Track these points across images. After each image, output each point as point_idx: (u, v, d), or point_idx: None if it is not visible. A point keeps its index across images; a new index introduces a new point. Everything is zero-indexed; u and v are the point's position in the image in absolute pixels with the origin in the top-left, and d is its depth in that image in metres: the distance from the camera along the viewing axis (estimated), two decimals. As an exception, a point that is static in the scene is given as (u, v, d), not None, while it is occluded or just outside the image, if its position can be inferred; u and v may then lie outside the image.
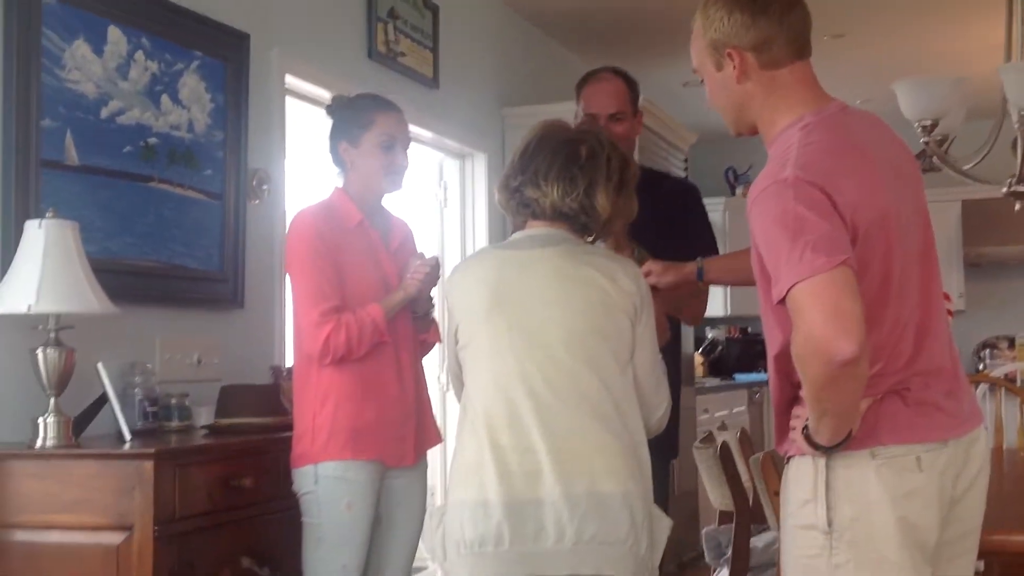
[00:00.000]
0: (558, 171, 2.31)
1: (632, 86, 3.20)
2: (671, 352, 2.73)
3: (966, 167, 3.65)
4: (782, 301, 1.78)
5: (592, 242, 2.42)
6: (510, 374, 2.27)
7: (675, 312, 3.06)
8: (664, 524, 2.32)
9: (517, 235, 2.42)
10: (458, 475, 2.29)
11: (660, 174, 3.30)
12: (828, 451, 1.85)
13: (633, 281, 2.32)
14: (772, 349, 1.96)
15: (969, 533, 1.98)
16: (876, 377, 1.85)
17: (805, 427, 1.86)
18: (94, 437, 2.67)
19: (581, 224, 2.36)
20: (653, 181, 2.97)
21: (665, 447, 3.03)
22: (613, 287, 2.28)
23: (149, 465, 2.38)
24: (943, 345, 1.97)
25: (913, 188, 1.99)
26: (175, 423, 2.89)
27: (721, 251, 3.20)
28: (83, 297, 2.51)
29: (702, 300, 3.14)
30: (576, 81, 3.30)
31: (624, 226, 2.52)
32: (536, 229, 2.37)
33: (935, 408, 1.89)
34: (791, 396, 1.95)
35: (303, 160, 3.92)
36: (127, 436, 2.61)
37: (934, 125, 3.45)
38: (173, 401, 2.90)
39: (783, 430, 1.98)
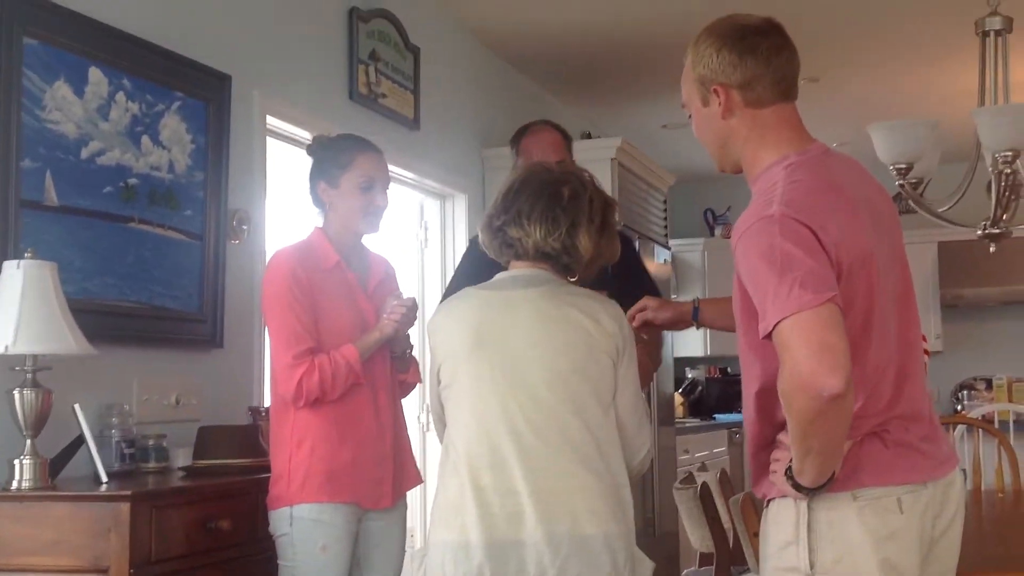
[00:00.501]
0: (541, 211, 2.33)
1: (567, 137, 3.33)
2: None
3: (941, 210, 3.69)
4: (768, 336, 1.78)
5: (574, 283, 2.43)
6: (492, 414, 2.27)
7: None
8: (646, 566, 2.31)
9: (500, 276, 2.42)
10: (440, 516, 2.28)
11: None
12: (811, 493, 1.85)
13: (615, 322, 2.32)
14: (752, 386, 1.96)
15: (946, 573, 1.99)
16: (857, 418, 1.85)
17: (788, 469, 1.86)
18: (70, 479, 2.65)
19: (563, 264, 2.37)
20: None
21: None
22: (595, 328, 2.29)
23: (125, 507, 2.36)
24: (921, 389, 2.00)
25: (891, 233, 2.01)
26: (152, 464, 2.87)
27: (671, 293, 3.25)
28: (61, 338, 2.49)
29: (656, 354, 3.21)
30: (529, 122, 3.40)
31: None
32: (519, 270, 2.38)
33: (914, 451, 1.91)
34: (769, 437, 1.95)
35: (284, 200, 3.93)
36: (103, 478, 2.58)
37: (909, 168, 3.50)
38: (150, 442, 2.88)
39: (760, 472, 1.98)
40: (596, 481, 2.24)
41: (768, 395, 1.87)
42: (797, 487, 1.85)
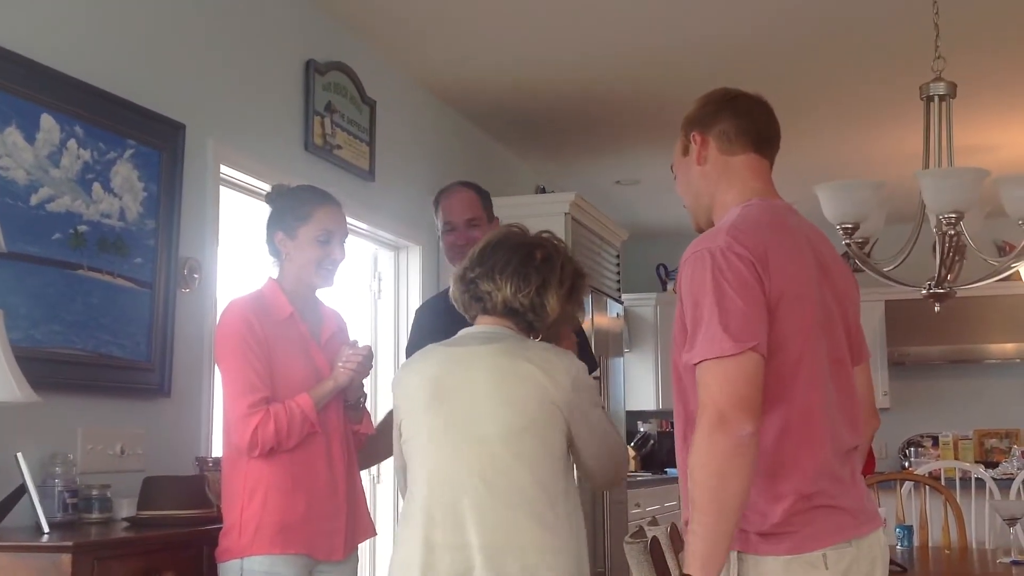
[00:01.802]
0: (514, 268, 2.41)
1: (483, 195, 3.42)
2: None
3: (887, 269, 3.75)
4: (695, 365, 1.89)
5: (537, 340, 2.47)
6: (448, 469, 2.31)
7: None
8: None
9: (463, 332, 2.49)
10: (394, 571, 2.33)
11: None
12: None
13: (570, 374, 2.35)
14: (688, 410, 1.99)
15: None
16: (788, 465, 1.89)
17: None
18: (11, 528, 2.59)
19: (527, 322, 2.43)
20: None
21: None
22: (550, 381, 2.32)
23: (67, 558, 2.31)
24: (846, 454, 2.02)
25: (841, 301, 2.06)
26: (95, 515, 2.82)
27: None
28: (4, 385, 2.45)
29: None
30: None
31: (571, 333, 2.62)
32: (481, 326, 2.45)
33: (840, 511, 1.93)
34: None
35: (236, 250, 3.91)
36: (45, 528, 2.54)
37: (855, 228, 3.55)
38: (94, 492, 2.84)
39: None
40: (550, 537, 2.26)
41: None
42: None
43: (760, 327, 1.86)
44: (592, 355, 3.42)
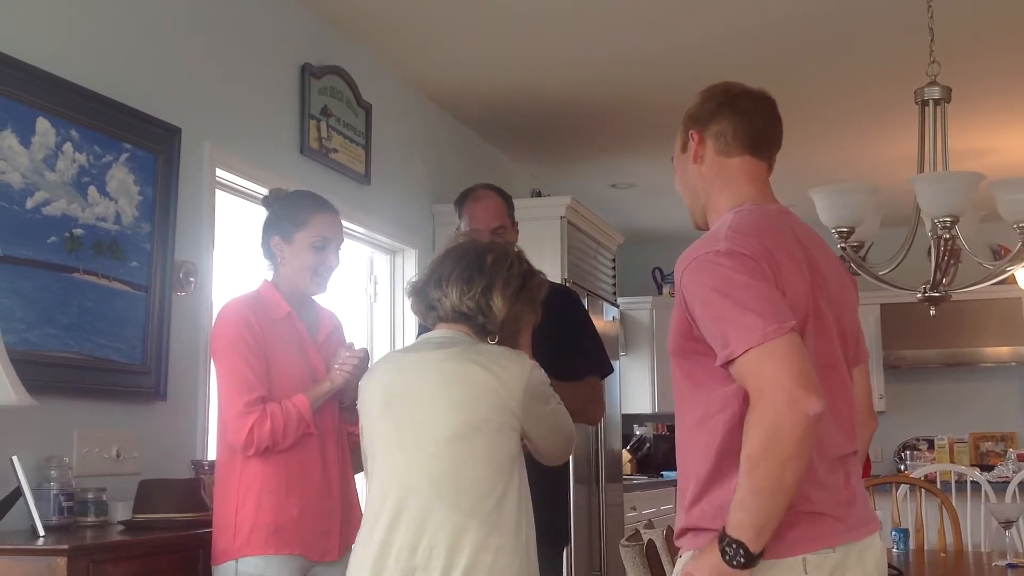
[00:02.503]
0: (459, 273, 2.45)
1: (509, 202, 3.40)
2: None
3: (882, 273, 3.76)
4: (726, 365, 1.83)
5: (496, 343, 2.49)
6: (398, 473, 2.36)
7: (577, 415, 3.17)
8: None
9: (420, 338, 2.56)
10: (352, 568, 2.39)
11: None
12: (753, 563, 1.81)
13: (519, 376, 2.37)
14: (693, 415, 1.97)
15: None
16: None
17: (726, 543, 1.82)
18: (7, 532, 2.59)
19: (480, 325, 2.46)
20: None
21: (553, 536, 3.09)
22: (499, 383, 2.35)
23: (62, 561, 2.32)
24: (839, 455, 2.01)
25: (836, 305, 2.04)
26: (91, 518, 2.82)
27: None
28: (0, 389, 2.46)
29: (599, 404, 3.31)
30: (502, 183, 3.48)
31: (529, 333, 2.62)
32: (437, 332, 2.49)
33: (823, 516, 1.91)
34: (711, 468, 1.94)
35: (232, 253, 3.92)
36: (41, 531, 2.54)
37: (851, 232, 3.56)
38: (90, 496, 2.84)
39: (694, 517, 1.98)
40: (491, 536, 2.30)
41: (713, 424, 1.90)
42: (750, 559, 1.81)
43: (789, 312, 1.83)
44: (606, 357, 3.41)
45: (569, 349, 3.17)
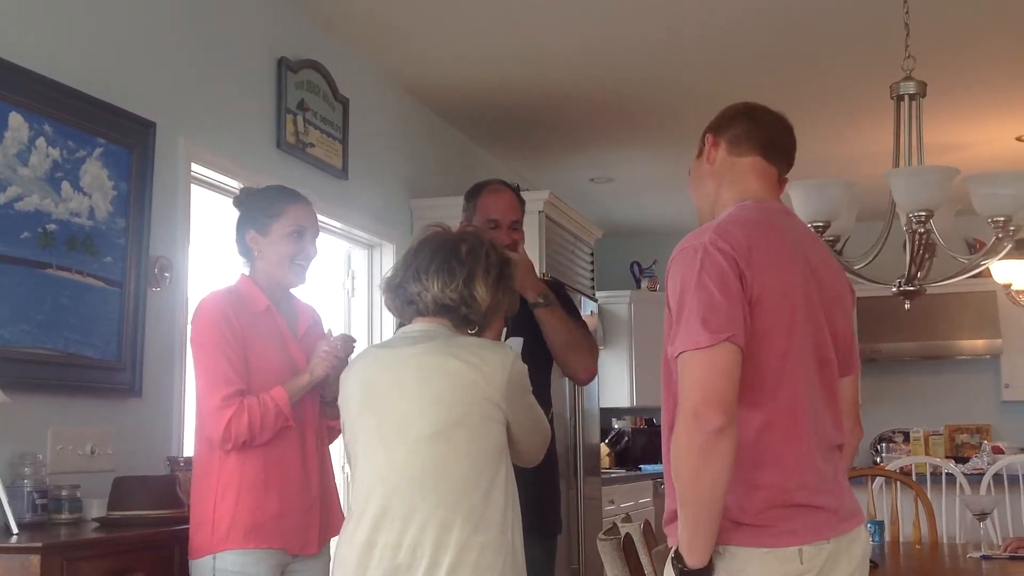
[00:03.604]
0: (438, 264, 2.43)
1: (522, 201, 3.42)
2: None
3: (858, 267, 3.77)
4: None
5: (475, 334, 2.48)
6: (381, 470, 2.35)
7: (565, 366, 3.22)
8: None
9: (397, 332, 2.53)
10: (337, 568, 2.39)
11: None
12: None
13: (502, 367, 2.37)
14: (673, 399, 2.02)
15: None
16: (770, 459, 1.92)
17: (674, 557, 1.94)
18: (-22, 531, 2.58)
19: (462, 316, 2.45)
20: None
21: (546, 526, 3.10)
22: (480, 376, 2.34)
23: (36, 559, 2.30)
24: (832, 446, 2.05)
25: (828, 306, 2.08)
26: (65, 515, 2.80)
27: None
28: (-28, 385, 2.44)
29: (588, 353, 3.27)
30: (478, 179, 3.49)
31: (501, 322, 2.62)
32: (414, 326, 2.47)
33: (821, 509, 1.96)
34: None
35: (208, 248, 3.89)
36: (14, 529, 2.52)
37: (827, 226, 3.57)
38: (64, 493, 2.82)
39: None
40: (477, 533, 2.29)
41: None
42: (683, 574, 1.92)
43: (736, 320, 1.90)
44: (574, 306, 3.44)
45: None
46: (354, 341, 2.85)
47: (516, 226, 3.30)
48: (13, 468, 2.77)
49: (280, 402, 2.66)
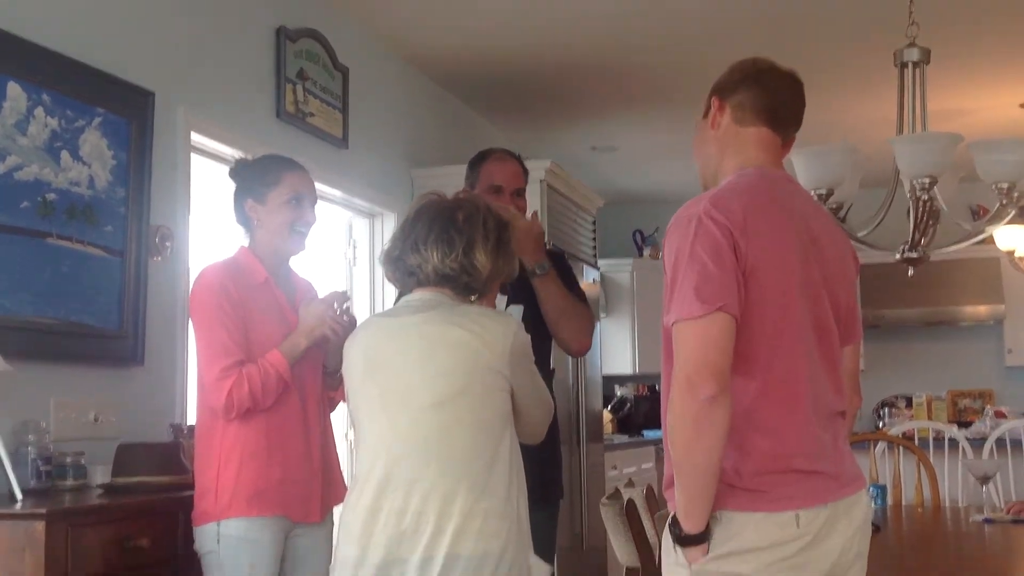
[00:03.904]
0: (437, 235, 2.41)
1: (526, 171, 3.40)
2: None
3: (861, 234, 3.76)
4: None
5: (475, 302, 2.47)
6: (384, 438, 2.36)
7: (557, 337, 3.21)
8: (542, 572, 2.38)
9: (400, 301, 2.52)
10: (342, 533, 2.39)
11: None
12: (695, 542, 1.93)
13: (505, 336, 2.37)
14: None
15: None
16: (766, 426, 1.93)
17: (671, 524, 1.96)
18: (-17, 498, 2.59)
19: (463, 284, 2.44)
20: None
21: (549, 492, 3.11)
22: (483, 344, 2.34)
23: (40, 526, 2.32)
24: (832, 413, 2.05)
25: (829, 273, 2.07)
26: (69, 482, 2.81)
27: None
28: (-26, 354, 2.45)
29: (581, 325, 3.23)
30: (479, 148, 3.48)
31: (497, 287, 2.61)
32: (416, 294, 2.46)
33: (818, 474, 1.96)
34: None
35: (208, 217, 3.89)
36: (18, 496, 2.54)
37: (830, 193, 3.56)
38: (68, 459, 2.83)
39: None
40: (481, 500, 2.29)
41: None
42: (680, 539, 1.94)
43: (730, 289, 1.90)
44: (574, 277, 3.41)
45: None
46: (348, 299, 2.83)
47: (519, 194, 3.28)
48: (17, 435, 2.78)
49: (279, 367, 2.67)
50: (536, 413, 2.50)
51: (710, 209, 1.95)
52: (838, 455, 2.03)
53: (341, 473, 2.94)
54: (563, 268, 3.35)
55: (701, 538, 1.92)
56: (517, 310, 2.89)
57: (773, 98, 2.15)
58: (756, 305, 1.93)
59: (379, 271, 4.99)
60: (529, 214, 3.19)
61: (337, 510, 2.93)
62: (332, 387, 2.88)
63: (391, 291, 4.98)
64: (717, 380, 1.85)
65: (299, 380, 2.74)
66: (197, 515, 2.66)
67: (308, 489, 2.74)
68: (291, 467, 2.70)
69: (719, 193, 2.01)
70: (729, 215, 1.94)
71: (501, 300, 2.88)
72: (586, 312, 3.24)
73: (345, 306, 2.80)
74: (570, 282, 3.35)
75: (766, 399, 1.95)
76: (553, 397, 2.76)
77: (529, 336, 2.46)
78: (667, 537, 1.99)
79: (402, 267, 2.47)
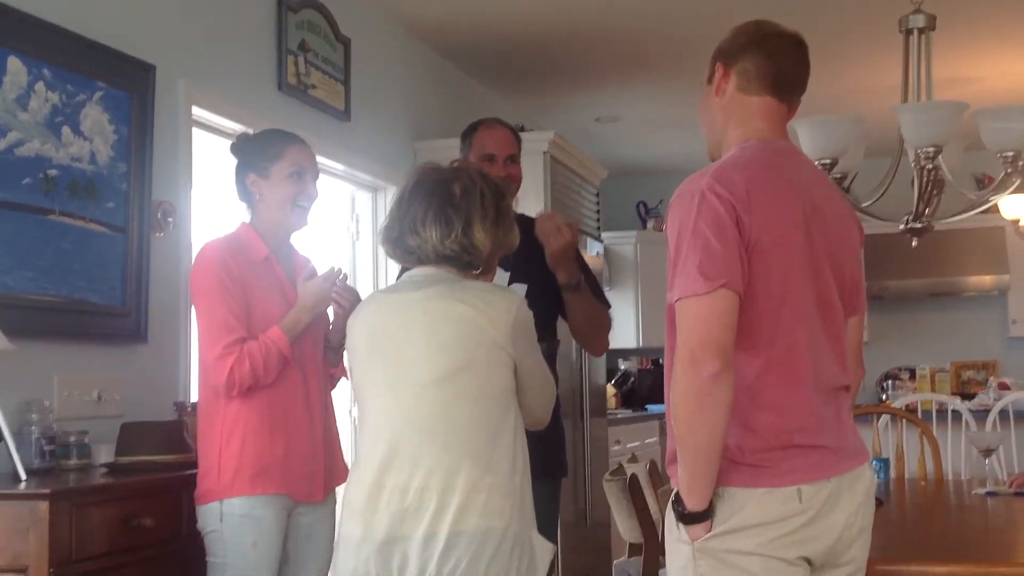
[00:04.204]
0: (434, 215, 2.38)
1: (518, 137, 3.38)
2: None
3: (866, 204, 3.74)
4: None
5: (478, 276, 2.46)
6: (387, 414, 2.35)
7: (582, 342, 3.25)
8: (544, 550, 2.38)
9: (403, 277, 2.51)
10: (345, 511, 2.38)
11: (531, 217, 3.37)
12: (698, 519, 1.93)
13: (508, 311, 2.35)
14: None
15: (851, 563, 2.04)
16: (768, 401, 1.93)
17: (674, 501, 1.96)
18: (-13, 477, 2.59)
19: (465, 263, 2.42)
20: (528, 223, 3.04)
21: (552, 468, 3.11)
22: (485, 320, 2.33)
23: (44, 505, 2.32)
24: (835, 387, 2.04)
25: (833, 246, 2.06)
26: (73, 461, 2.81)
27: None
28: (-23, 333, 2.44)
29: (605, 333, 3.29)
30: (485, 115, 3.48)
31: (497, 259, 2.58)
32: (419, 270, 2.44)
33: (819, 450, 1.96)
34: None
35: (210, 192, 3.87)
36: (22, 475, 2.54)
37: (834, 163, 3.54)
38: (71, 439, 2.83)
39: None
40: (486, 475, 2.29)
41: None
42: (683, 517, 1.94)
43: (733, 265, 1.89)
44: (600, 289, 3.40)
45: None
46: (344, 273, 2.83)
47: (513, 160, 3.26)
48: (20, 415, 2.77)
49: (280, 344, 2.66)
50: (542, 394, 2.48)
51: (713, 184, 1.93)
52: (841, 429, 2.03)
53: (342, 452, 2.94)
54: (583, 267, 3.33)
55: (704, 515, 1.92)
56: (521, 288, 2.87)
57: (778, 65, 2.12)
58: (759, 280, 1.93)
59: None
60: (561, 224, 3.03)
61: (339, 490, 2.94)
62: (334, 363, 2.87)
63: (394, 266, 4.95)
64: (721, 357, 1.85)
65: (300, 357, 2.73)
66: (200, 494, 2.66)
67: (311, 466, 2.74)
68: (294, 443, 2.70)
69: (722, 167, 1.99)
70: (732, 189, 1.92)
71: (503, 276, 2.86)
72: (608, 317, 3.28)
73: (342, 277, 2.80)
74: (595, 287, 3.33)
75: (768, 375, 1.95)
76: (556, 372, 2.74)
77: (532, 313, 2.45)
78: (670, 514, 1.99)
79: (402, 247, 2.45)
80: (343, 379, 2.92)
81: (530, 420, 2.47)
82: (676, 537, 1.98)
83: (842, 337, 2.08)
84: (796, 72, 2.15)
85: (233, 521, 2.61)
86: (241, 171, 2.82)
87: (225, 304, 2.65)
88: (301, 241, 2.98)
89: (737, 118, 2.12)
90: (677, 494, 1.96)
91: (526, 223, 2.84)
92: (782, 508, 1.91)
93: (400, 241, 2.43)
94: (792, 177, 2.04)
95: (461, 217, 2.38)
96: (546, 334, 2.80)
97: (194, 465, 2.72)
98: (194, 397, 3.22)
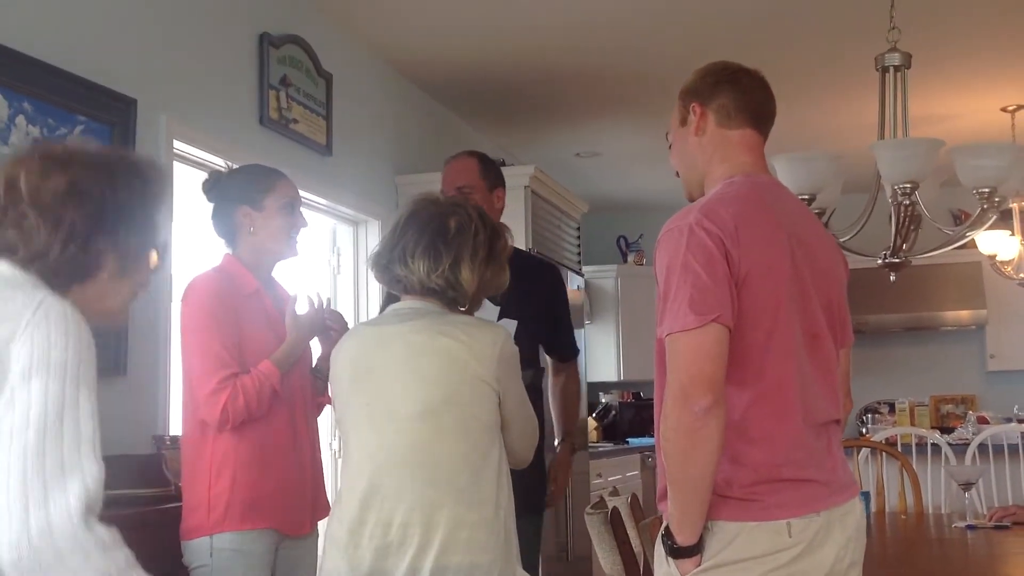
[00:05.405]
0: (424, 248, 2.37)
1: (485, 163, 3.40)
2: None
3: (843, 239, 3.78)
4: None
5: (465, 312, 2.46)
6: (370, 449, 2.33)
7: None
8: None
9: (388, 309, 2.51)
10: (328, 545, 2.36)
11: (526, 253, 3.40)
12: (688, 554, 1.92)
13: (493, 345, 2.35)
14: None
15: None
16: (757, 435, 1.93)
17: (663, 534, 1.95)
18: (-37, 511, 2.56)
19: (449, 298, 2.41)
20: (520, 258, 3.05)
21: (535, 503, 3.11)
22: (470, 354, 2.32)
23: (20, 539, 2.29)
24: (825, 421, 2.05)
25: (818, 278, 2.07)
26: (51, 495, 2.78)
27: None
28: (-45, 366, 2.42)
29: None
30: (458, 149, 3.59)
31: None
32: (404, 303, 2.44)
33: (809, 482, 1.96)
34: None
35: (191, 225, 3.86)
36: None
37: (812, 199, 3.57)
38: (49, 472, 2.80)
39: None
40: (469, 511, 2.27)
41: None
42: (673, 551, 1.93)
43: (723, 300, 1.90)
44: (572, 337, 3.46)
45: (563, 327, 3.24)
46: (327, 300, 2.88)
47: (466, 189, 3.26)
48: (-2, 449, 2.74)
49: (272, 378, 2.66)
50: (525, 430, 2.46)
51: (701, 219, 1.94)
52: (832, 462, 2.03)
53: (324, 485, 2.92)
54: (557, 286, 3.35)
55: (694, 550, 1.91)
56: (511, 324, 2.87)
57: (752, 98, 2.16)
58: (748, 313, 1.93)
59: (363, 279, 4.99)
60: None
61: (322, 524, 2.92)
62: (320, 392, 2.87)
63: (375, 299, 5.00)
64: (712, 391, 1.85)
65: (287, 390, 2.73)
66: (188, 529, 2.63)
67: (300, 500, 2.74)
68: (284, 477, 2.69)
69: (709, 203, 2.00)
70: (720, 224, 1.93)
71: (493, 311, 2.86)
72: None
73: (327, 302, 2.84)
74: (564, 300, 3.34)
75: (757, 408, 1.95)
76: (542, 403, 2.74)
77: (518, 349, 2.44)
78: (659, 548, 1.99)
79: (389, 275, 2.45)
80: (328, 407, 2.92)
81: (513, 460, 2.44)
82: (665, 571, 1.97)
83: (833, 370, 2.08)
84: (769, 104, 2.19)
85: (223, 556, 2.59)
86: (227, 205, 2.82)
87: (219, 338, 2.64)
88: (282, 274, 2.98)
89: (722, 154, 2.13)
90: (667, 528, 1.95)
91: (516, 257, 2.85)
92: (771, 542, 1.91)
93: (388, 268, 2.43)
94: (778, 211, 2.06)
95: (451, 253, 2.38)
96: (530, 363, 2.80)
97: (173, 499, 2.70)
98: (174, 430, 3.20)
